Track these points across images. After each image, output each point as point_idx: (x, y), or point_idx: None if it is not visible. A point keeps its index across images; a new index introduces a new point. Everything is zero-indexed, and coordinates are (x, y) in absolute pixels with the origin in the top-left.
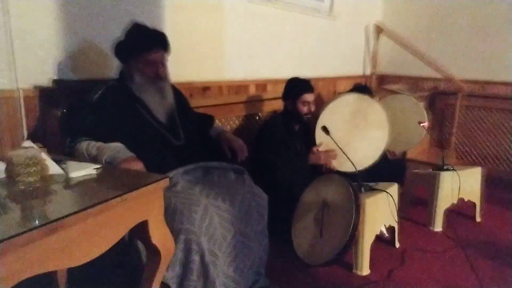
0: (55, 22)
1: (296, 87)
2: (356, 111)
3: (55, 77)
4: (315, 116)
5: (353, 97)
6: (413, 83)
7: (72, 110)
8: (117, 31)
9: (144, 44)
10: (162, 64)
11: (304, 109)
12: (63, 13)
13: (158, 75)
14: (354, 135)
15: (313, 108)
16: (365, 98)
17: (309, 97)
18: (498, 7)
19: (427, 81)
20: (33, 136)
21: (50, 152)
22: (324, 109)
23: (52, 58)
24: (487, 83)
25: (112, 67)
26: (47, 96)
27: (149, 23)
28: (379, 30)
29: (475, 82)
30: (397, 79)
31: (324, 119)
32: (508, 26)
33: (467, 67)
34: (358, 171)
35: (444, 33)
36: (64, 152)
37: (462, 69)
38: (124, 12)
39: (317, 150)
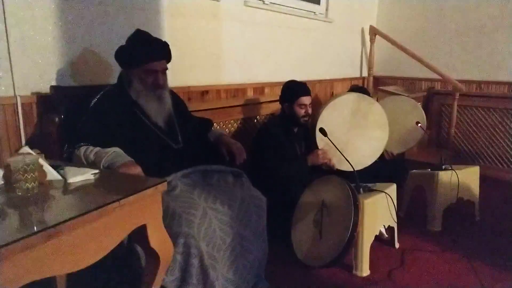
0: (54, 29)
1: (293, 90)
2: (356, 110)
3: (54, 84)
4: (315, 116)
5: (354, 96)
6: (410, 84)
7: (70, 116)
8: (115, 38)
9: (147, 54)
10: (163, 73)
11: (302, 112)
12: (61, 20)
13: (158, 84)
14: (354, 134)
15: (310, 110)
16: (365, 97)
17: (306, 99)
18: (491, 7)
19: (423, 81)
20: (31, 142)
21: (48, 158)
22: (324, 108)
23: (50, 64)
24: (483, 82)
25: (111, 73)
26: (46, 103)
27: (147, 29)
28: (374, 32)
29: (471, 82)
30: (394, 80)
31: (324, 118)
32: (502, 26)
33: (463, 67)
34: (358, 170)
35: (439, 34)
36: (62, 158)
37: (457, 69)
38: (122, 19)
39: (318, 151)
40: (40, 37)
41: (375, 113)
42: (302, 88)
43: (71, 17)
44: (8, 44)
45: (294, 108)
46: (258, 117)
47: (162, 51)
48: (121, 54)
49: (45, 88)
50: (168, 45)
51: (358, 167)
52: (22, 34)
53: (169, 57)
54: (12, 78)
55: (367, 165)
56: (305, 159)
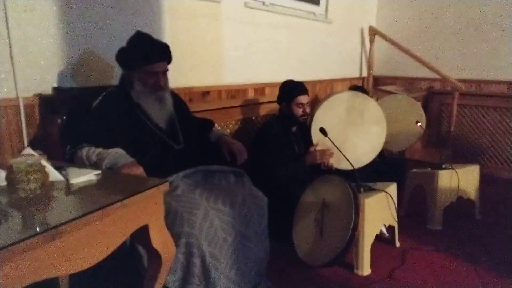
0: (56, 31)
1: (290, 90)
2: (351, 108)
3: (56, 85)
4: (311, 115)
5: (347, 94)
6: (409, 84)
7: (72, 117)
8: (117, 40)
9: (148, 56)
10: (163, 74)
11: (299, 111)
12: (63, 22)
13: (159, 85)
14: (351, 132)
15: (308, 110)
16: (359, 95)
17: (303, 99)
18: (490, 6)
19: (423, 81)
20: (34, 144)
21: (50, 159)
22: (318, 108)
23: (52, 66)
24: (482, 82)
25: (113, 75)
26: (48, 104)
27: (149, 31)
28: (374, 32)
29: (471, 81)
30: (393, 80)
31: (319, 118)
32: (501, 25)
33: (462, 66)
34: (358, 169)
35: (438, 34)
36: (64, 159)
37: (457, 68)
38: (124, 21)
39: (314, 149)
40: (42, 39)
41: (370, 109)
42: (299, 87)
43: (73, 19)
44: (10, 46)
45: (292, 107)
46: (259, 117)
47: (162, 52)
48: (122, 56)
49: (47, 90)
50: (169, 47)
51: (358, 165)
52: (24, 36)
53: (169, 58)
54: (15, 79)
55: (367, 162)
56: (304, 159)
